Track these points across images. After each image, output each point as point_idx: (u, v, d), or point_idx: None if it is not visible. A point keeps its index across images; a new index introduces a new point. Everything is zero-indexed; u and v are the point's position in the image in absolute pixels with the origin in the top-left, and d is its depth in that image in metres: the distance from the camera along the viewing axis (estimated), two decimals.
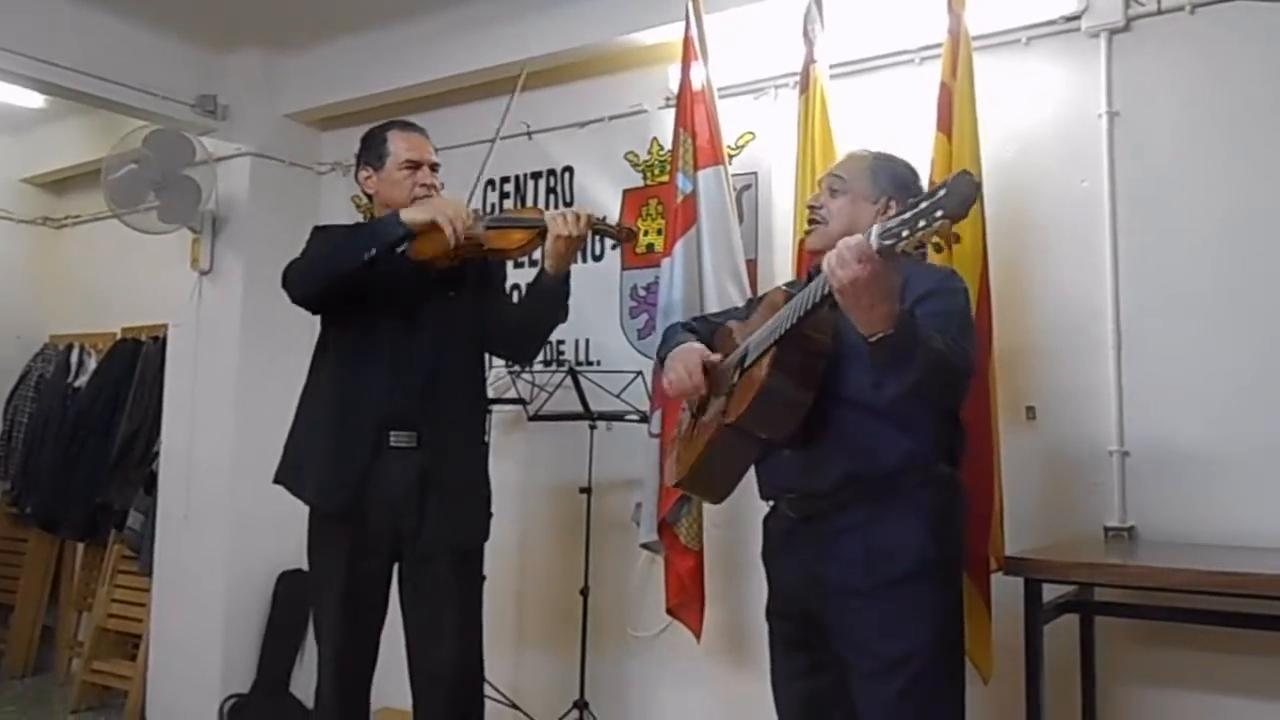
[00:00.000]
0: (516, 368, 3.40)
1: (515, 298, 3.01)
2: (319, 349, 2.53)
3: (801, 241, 2.69)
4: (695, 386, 1.97)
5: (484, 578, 2.57)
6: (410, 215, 2.32)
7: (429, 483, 2.38)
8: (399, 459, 2.38)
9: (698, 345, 2.03)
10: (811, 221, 2.06)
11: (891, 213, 1.57)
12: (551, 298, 2.47)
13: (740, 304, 2.59)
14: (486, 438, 2.58)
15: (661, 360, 2.15)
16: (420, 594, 2.43)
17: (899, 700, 1.80)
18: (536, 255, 2.54)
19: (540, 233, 2.41)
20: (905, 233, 1.46)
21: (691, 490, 2.16)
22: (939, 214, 1.42)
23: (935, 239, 1.44)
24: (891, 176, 2.03)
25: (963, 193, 1.42)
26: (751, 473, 2.05)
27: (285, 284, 2.44)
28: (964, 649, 1.97)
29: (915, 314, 1.70)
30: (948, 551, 1.91)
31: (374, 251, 2.29)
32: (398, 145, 2.50)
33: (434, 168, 2.53)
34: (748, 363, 1.87)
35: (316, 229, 2.60)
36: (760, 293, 2.76)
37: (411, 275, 2.38)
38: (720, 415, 1.89)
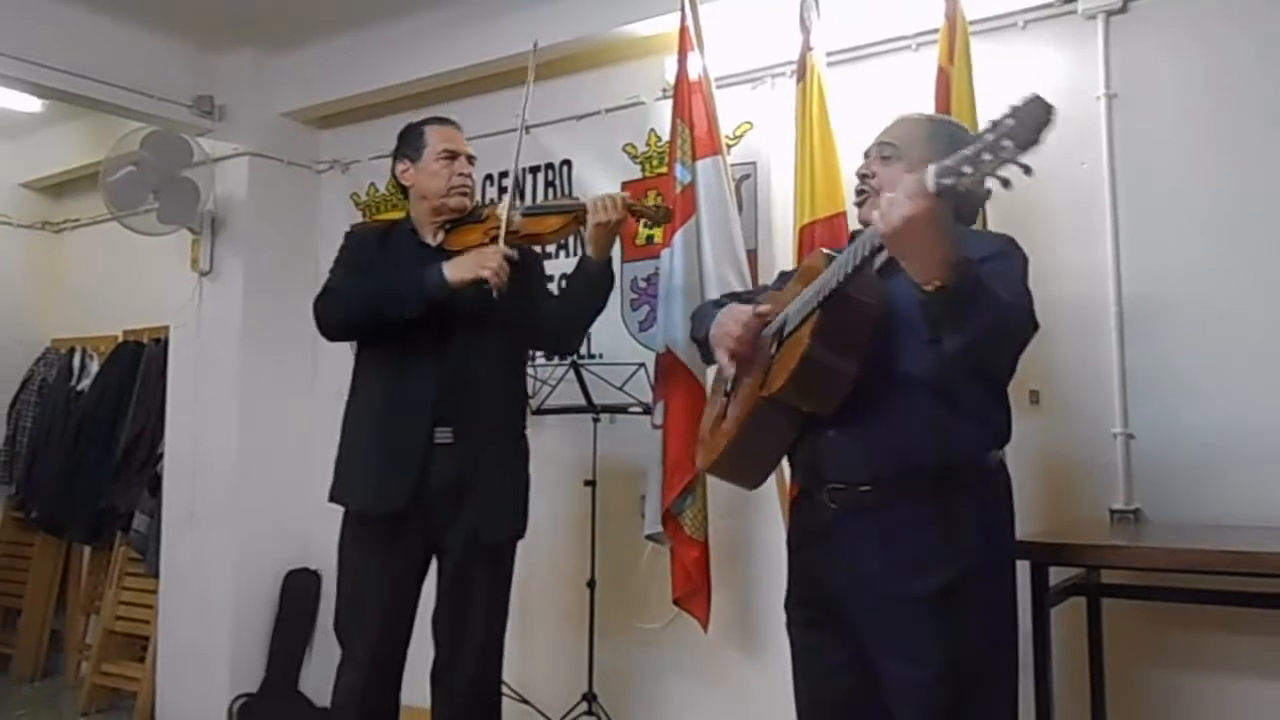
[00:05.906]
0: None
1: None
2: (360, 357, 2.55)
3: (802, 229, 2.70)
4: (748, 334, 1.81)
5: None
6: (454, 274, 2.35)
7: (465, 478, 2.39)
8: (440, 455, 2.39)
9: (744, 305, 1.89)
10: (861, 192, 1.88)
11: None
12: (593, 283, 2.52)
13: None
14: (525, 431, 2.57)
15: (694, 338, 2.09)
16: (452, 589, 2.44)
17: (949, 714, 1.68)
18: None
19: (576, 218, 2.46)
20: (967, 169, 1.31)
21: (724, 475, 2.02)
22: (1006, 145, 1.26)
23: (1002, 175, 1.26)
24: (951, 140, 1.78)
25: (1035, 117, 1.25)
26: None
27: (317, 319, 2.45)
28: (1017, 646, 1.81)
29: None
30: (1003, 552, 1.80)
31: (417, 309, 2.33)
32: (435, 138, 2.55)
33: (470, 159, 2.57)
34: (787, 331, 1.73)
35: (349, 235, 2.62)
36: (760, 283, 2.76)
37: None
38: (757, 388, 1.75)
